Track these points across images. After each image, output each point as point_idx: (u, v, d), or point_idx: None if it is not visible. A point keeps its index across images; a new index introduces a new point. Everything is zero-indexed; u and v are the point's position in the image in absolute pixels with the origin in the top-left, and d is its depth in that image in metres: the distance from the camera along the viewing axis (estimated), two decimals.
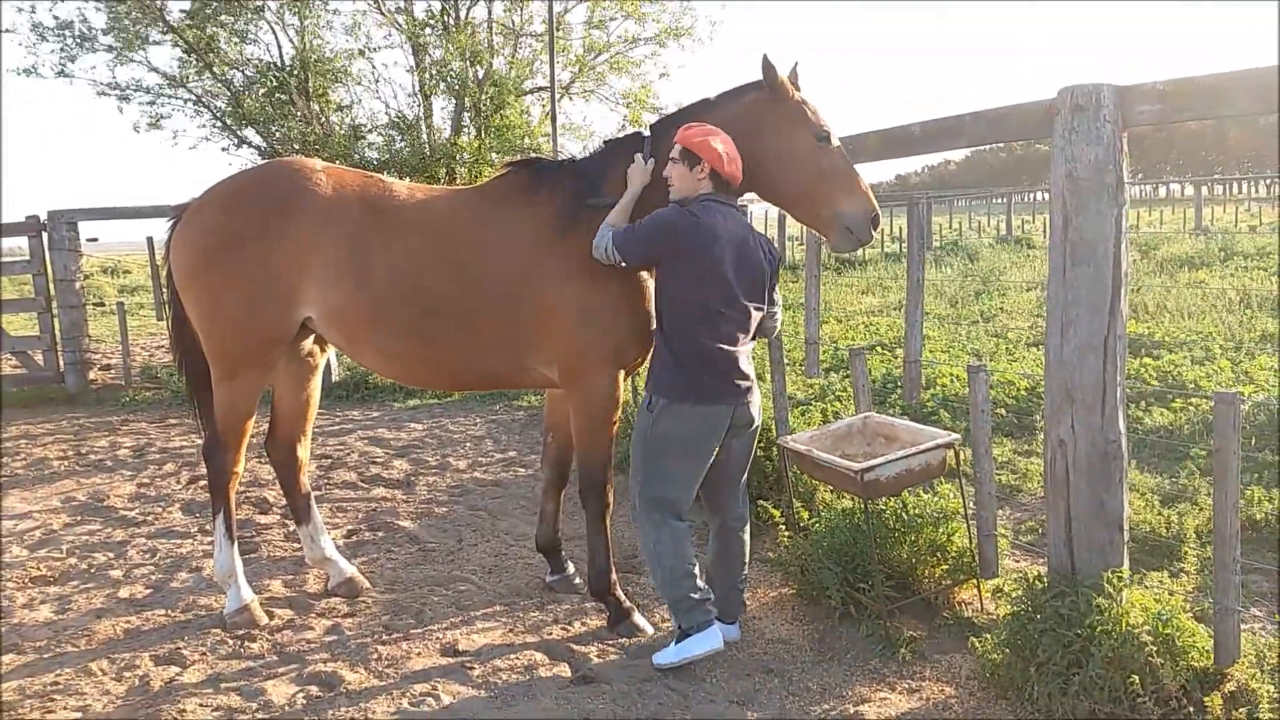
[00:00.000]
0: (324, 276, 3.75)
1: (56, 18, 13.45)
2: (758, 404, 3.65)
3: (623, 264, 3.53)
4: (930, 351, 8.83)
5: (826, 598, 3.90)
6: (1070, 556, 3.33)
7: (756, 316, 3.58)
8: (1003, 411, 6.69)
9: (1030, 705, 3.11)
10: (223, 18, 13.33)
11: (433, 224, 3.84)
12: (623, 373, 3.93)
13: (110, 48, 13.49)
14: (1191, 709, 2.84)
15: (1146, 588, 3.44)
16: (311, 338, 4.18)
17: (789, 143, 3.66)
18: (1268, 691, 2.66)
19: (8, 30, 13.53)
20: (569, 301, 3.73)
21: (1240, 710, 2.71)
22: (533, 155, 4.27)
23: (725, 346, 3.47)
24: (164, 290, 4.29)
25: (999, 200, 43.13)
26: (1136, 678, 2.87)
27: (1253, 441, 5.35)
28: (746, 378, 3.55)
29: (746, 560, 3.84)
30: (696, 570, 3.58)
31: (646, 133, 3.91)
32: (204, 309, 3.89)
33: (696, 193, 3.53)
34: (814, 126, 3.67)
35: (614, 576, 4.00)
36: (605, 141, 4.09)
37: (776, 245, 3.65)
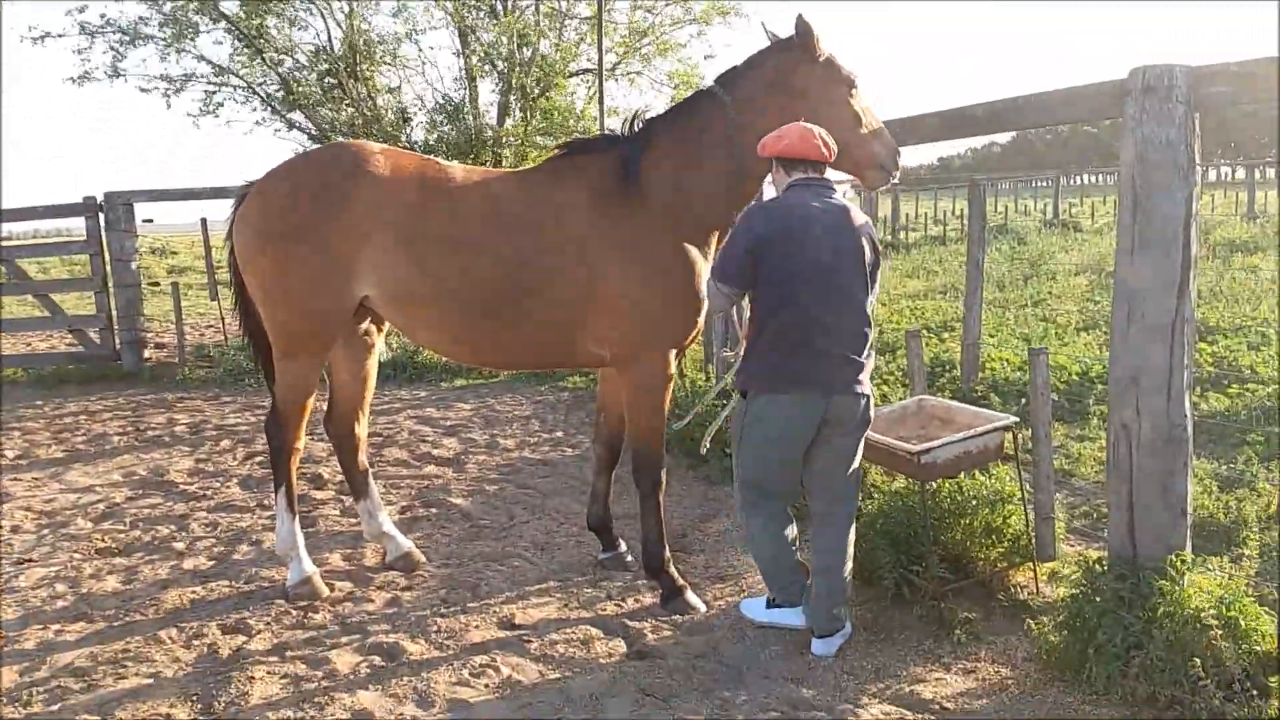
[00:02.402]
0: (382, 257, 3.81)
1: (104, 16, 13.57)
2: (868, 400, 3.46)
3: (731, 292, 3.51)
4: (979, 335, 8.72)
5: (880, 579, 3.90)
6: (1131, 540, 3.30)
7: (861, 300, 3.41)
8: (1055, 396, 6.61)
9: (1088, 686, 3.10)
10: (275, 5, 13.41)
11: (488, 205, 3.88)
12: (674, 352, 3.96)
13: (161, 39, 13.59)
14: (1255, 691, 2.81)
15: (1209, 571, 3.39)
16: (369, 318, 4.25)
17: (830, 98, 3.80)
18: None
19: (58, 34, 13.51)
20: (618, 279, 3.78)
21: None
22: (582, 136, 4.31)
23: (815, 333, 3.35)
24: (227, 271, 4.37)
25: (1045, 183, 42.43)
26: (1198, 660, 2.85)
27: None
28: (847, 367, 3.38)
29: (839, 566, 3.53)
30: (790, 559, 3.62)
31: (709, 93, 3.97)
32: (265, 288, 3.97)
33: (787, 184, 3.51)
34: (846, 79, 3.83)
35: (667, 554, 4.04)
36: (646, 120, 4.10)
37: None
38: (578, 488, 5.67)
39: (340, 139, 13.61)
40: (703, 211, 3.88)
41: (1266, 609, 3.10)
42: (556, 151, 4.18)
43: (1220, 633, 2.90)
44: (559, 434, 7.11)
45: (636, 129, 4.02)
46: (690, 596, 3.99)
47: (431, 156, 4.18)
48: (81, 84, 13.53)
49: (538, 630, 3.78)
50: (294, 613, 4.01)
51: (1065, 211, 29.49)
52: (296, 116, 14.26)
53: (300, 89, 13.58)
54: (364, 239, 3.82)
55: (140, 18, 13.39)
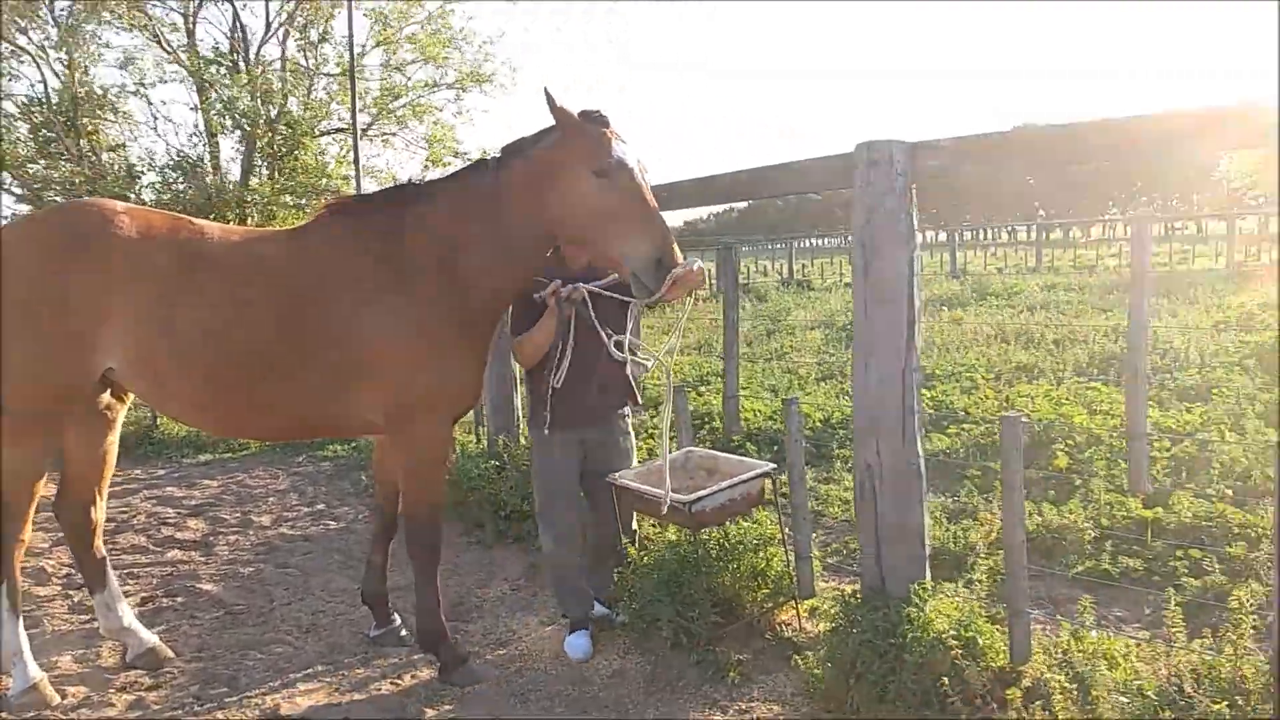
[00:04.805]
0: (129, 324, 3.50)
1: None
2: None
3: None
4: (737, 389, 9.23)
5: (658, 629, 3.99)
6: (880, 572, 3.61)
7: None
8: (804, 441, 7.10)
9: (851, 715, 3.33)
10: None
11: (248, 268, 3.66)
12: (453, 419, 3.90)
13: None
14: (994, 705, 3.14)
15: (947, 596, 3.76)
16: (109, 390, 3.87)
17: (565, 183, 3.47)
18: (1059, 683, 2.99)
19: None
20: (397, 345, 3.64)
21: (1036, 702, 3.03)
22: (351, 195, 4.15)
23: None
24: None
25: (780, 245, 45.79)
26: (945, 680, 3.15)
27: None
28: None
29: None
30: None
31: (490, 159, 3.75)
32: None
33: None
34: (593, 161, 3.39)
35: (445, 625, 3.93)
36: (424, 182, 4.01)
37: None
38: (344, 563, 5.41)
39: (56, 198, 12.39)
40: (481, 280, 3.70)
41: (999, 627, 3.47)
42: (324, 210, 3.91)
43: (961, 652, 3.21)
44: (320, 506, 6.75)
45: (412, 189, 3.84)
46: (473, 665, 3.90)
47: (184, 216, 3.90)
48: None
49: None
50: None
51: (799, 271, 31.89)
52: (3, 176, 12.83)
53: (8, 147, 12.24)
54: (109, 305, 3.49)
55: None
